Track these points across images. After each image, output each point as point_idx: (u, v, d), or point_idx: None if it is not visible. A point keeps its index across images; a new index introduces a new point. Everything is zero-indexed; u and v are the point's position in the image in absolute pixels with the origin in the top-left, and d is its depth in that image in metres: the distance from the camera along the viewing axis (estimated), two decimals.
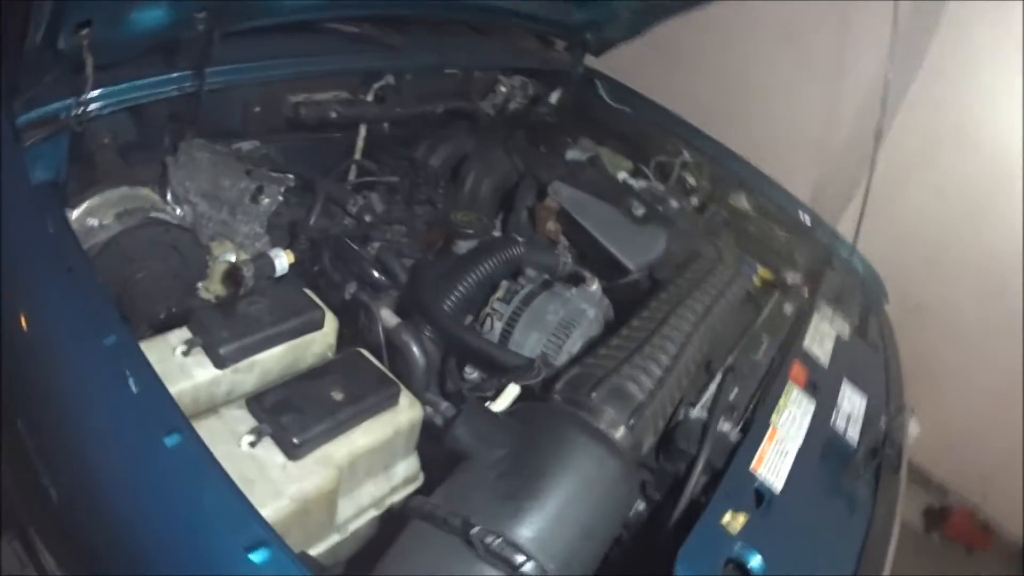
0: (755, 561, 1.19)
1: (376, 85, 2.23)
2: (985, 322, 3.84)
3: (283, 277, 1.65)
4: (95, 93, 1.57)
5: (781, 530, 1.28)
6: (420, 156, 2.27)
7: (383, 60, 2.26)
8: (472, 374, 1.63)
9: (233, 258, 1.76)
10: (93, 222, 1.60)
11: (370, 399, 1.28)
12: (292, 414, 1.19)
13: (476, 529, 1.05)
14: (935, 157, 3.64)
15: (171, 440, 1.05)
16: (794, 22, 3.82)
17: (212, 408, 1.24)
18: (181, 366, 1.27)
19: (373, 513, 1.36)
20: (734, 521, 1.24)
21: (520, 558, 1.04)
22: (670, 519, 1.33)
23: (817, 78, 3.95)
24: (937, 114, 3.52)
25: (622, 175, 2.49)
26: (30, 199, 1.45)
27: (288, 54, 2.04)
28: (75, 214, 1.59)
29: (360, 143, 2.18)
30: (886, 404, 1.90)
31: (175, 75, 1.76)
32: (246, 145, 2.01)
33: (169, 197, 1.81)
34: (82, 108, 1.55)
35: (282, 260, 1.64)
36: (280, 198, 1.83)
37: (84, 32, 1.45)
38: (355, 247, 1.69)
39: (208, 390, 1.29)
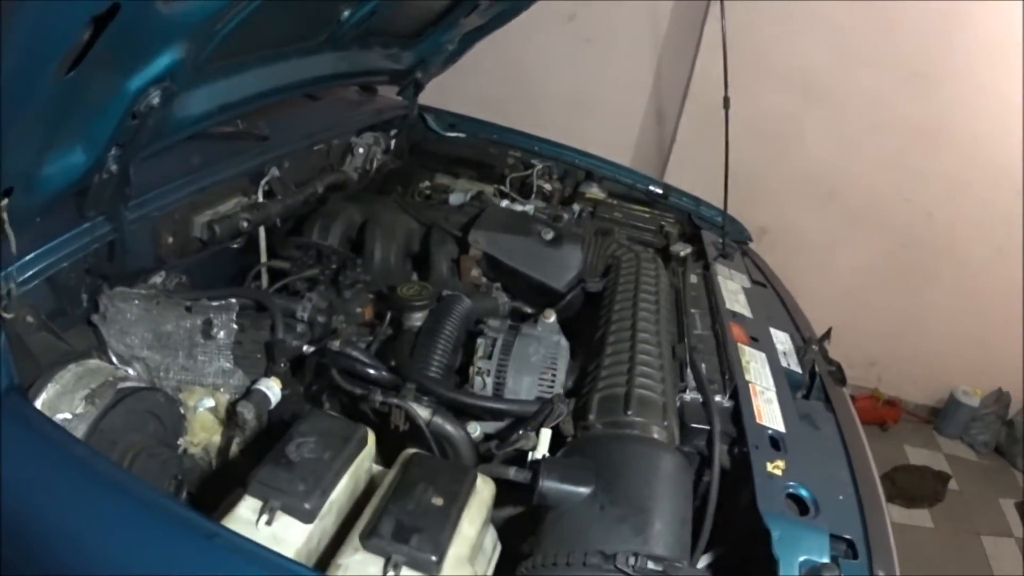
0: (804, 491, 1.50)
1: (263, 181, 2.30)
2: (825, 225, 4.45)
3: (279, 403, 1.71)
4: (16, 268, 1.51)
5: (801, 460, 1.59)
6: (317, 239, 2.37)
7: (262, 154, 2.33)
8: (475, 431, 1.81)
9: (212, 403, 1.76)
10: (65, 415, 1.49)
11: (461, 492, 1.39)
12: (415, 535, 1.26)
13: (619, 555, 1.27)
14: (737, 92, 4.13)
15: None
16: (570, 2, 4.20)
17: (323, 562, 1.31)
18: (273, 535, 1.28)
19: None
20: (776, 467, 1.54)
21: (661, 565, 1.28)
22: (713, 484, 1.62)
23: (602, 49, 4.36)
24: (730, 53, 4.01)
25: (504, 203, 2.72)
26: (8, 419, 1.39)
27: (182, 172, 2.05)
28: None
29: (263, 244, 2.25)
30: (798, 330, 2.29)
31: (88, 225, 1.72)
32: (156, 279, 1.93)
33: (114, 359, 1.74)
34: (8, 290, 1.48)
35: (275, 390, 1.70)
36: (234, 326, 1.82)
37: (4, 203, 1.39)
38: (354, 355, 1.80)
39: (307, 548, 1.32)
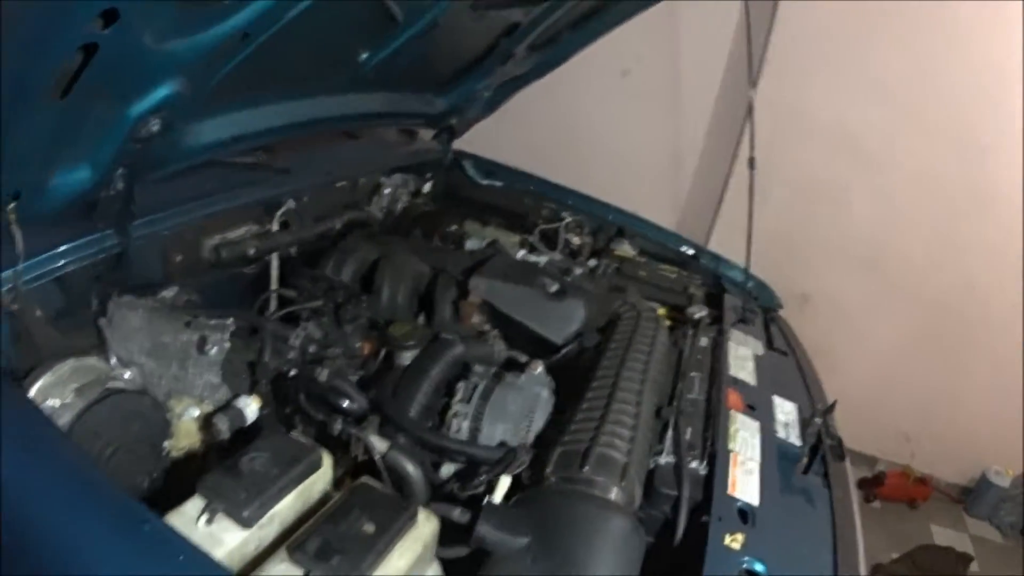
0: (759, 566, 1.46)
1: (279, 213, 2.41)
2: (866, 296, 4.36)
3: (255, 423, 1.78)
4: (24, 265, 1.64)
5: (770, 536, 1.56)
6: (331, 273, 2.43)
7: (280, 186, 2.44)
8: (448, 471, 1.83)
9: (197, 412, 1.86)
10: (54, 402, 1.65)
11: (395, 524, 1.42)
12: (337, 556, 1.31)
13: None
14: (783, 155, 4.09)
15: None
16: (625, 57, 4.25)
17: (251, 567, 1.36)
18: (209, 535, 1.37)
19: None
20: (734, 540, 1.50)
21: None
22: (671, 552, 1.58)
23: (654, 106, 4.39)
24: (777, 114, 3.97)
25: (521, 253, 2.74)
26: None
27: (196, 196, 2.17)
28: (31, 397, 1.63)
29: (275, 272, 2.32)
30: (811, 403, 2.22)
31: (98, 235, 1.86)
32: (168, 293, 2.09)
33: (113, 361, 1.88)
34: (15, 284, 1.61)
35: (251, 407, 1.79)
36: (227, 344, 1.92)
37: (12, 206, 1.53)
38: (324, 382, 1.83)
39: (240, 551, 1.40)
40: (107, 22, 1.27)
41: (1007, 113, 3.83)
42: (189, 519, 1.39)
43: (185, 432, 1.85)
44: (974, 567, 4.15)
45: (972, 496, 4.65)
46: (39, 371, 1.67)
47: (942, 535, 4.44)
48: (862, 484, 4.57)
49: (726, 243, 3.18)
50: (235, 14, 1.60)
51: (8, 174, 1.49)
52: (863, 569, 1.71)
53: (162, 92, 1.63)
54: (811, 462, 1.91)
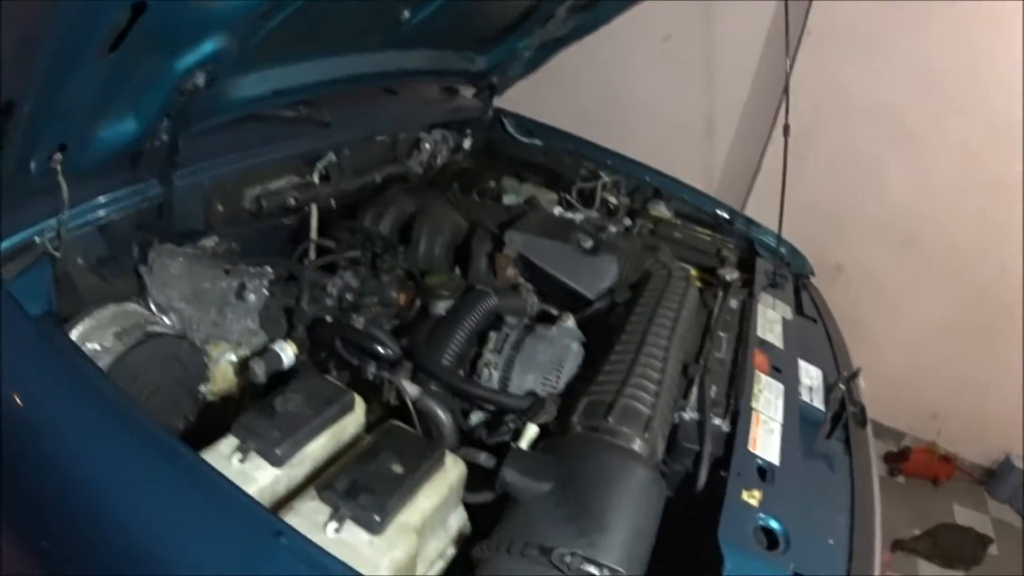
0: (775, 524, 1.49)
1: (319, 165, 2.47)
2: (900, 270, 4.33)
3: (291, 368, 1.85)
4: (68, 214, 1.68)
5: (788, 495, 1.58)
6: (370, 225, 2.49)
7: (321, 140, 2.50)
8: (476, 418, 1.89)
9: (233, 357, 1.92)
10: (94, 346, 1.68)
11: (423, 466, 1.49)
12: (365, 494, 1.37)
13: (556, 551, 1.30)
14: (823, 127, 4.08)
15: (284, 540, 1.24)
16: (666, 23, 4.23)
17: (281, 505, 1.41)
18: (242, 472, 1.42)
19: (440, 565, 1.58)
20: (752, 496, 1.54)
21: (598, 568, 1.30)
22: (690, 506, 1.63)
23: (695, 72, 4.37)
24: (818, 87, 3.95)
25: (558, 210, 2.78)
26: (37, 336, 1.55)
27: (238, 148, 2.23)
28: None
29: (314, 223, 2.39)
30: (837, 370, 2.25)
31: (141, 185, 1.92)
32: (208, 242, 2.12)
33: (153, 307, 1.92)
34: (58, 232, 1.67)
35: (288, 352, 1.84)
36: (265, 292, 1.97)
37: (58, 156, 1.58)
38: (359, 329, 1.90)
39: (272, 489, 1.45)
40: None
41: None
42: (222, 456, 1.44)
43: (222, 376, 1.90)
44: (993, 549, 4.14)
45: (995, 478, 4.64)
46: (80, 315, 1.70)
47: (963, 515, 4.43)
48: (887, 458, 4.58)
49: (762, 210, 3.18)
50: None
51: (55, 126, 1.54)
52: (879, 535, 1.72)
53: (208, 47, 1.68)
54: (833, 427, 1.94)
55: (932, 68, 3.89)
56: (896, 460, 4.57)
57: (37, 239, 1.67)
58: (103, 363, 1.65)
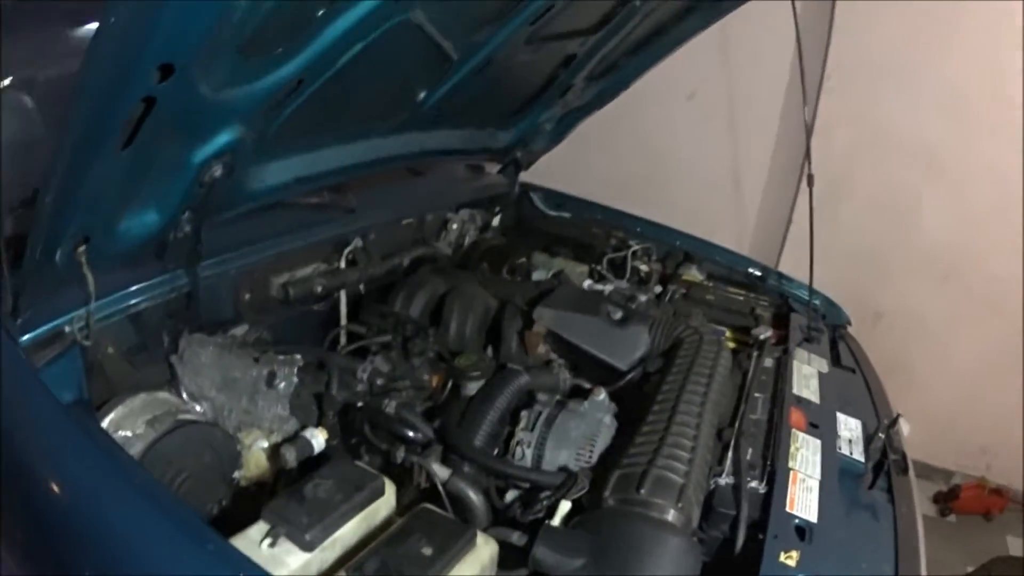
0: None
1: (347, 251, 2.52)
2: (942, 307, 4.25)
3: (322, 453, 1.87)
4: (96, 304, 1.72)
5: (828, 553, 1.57)
6: (400, 308, 2.53)
7: (348, 225, 2.55)
8: (511, 496, 1.89)
9: (266, 444, 1.96)
10: (126, 433, 1.73)
11: (454, 546, 1.48)
12: None
13: None
14: (856, 170, 4.06)
15: None
16: (689, 80, 4.28)
17: None
18: (272, 557, 1.43)
19: None
20: (789, 557, 1.52)
21: None
22: (730, 571, 1.60)
23: (721, 128, 4.40)
24: (847, 129, 3.96)
25: (588, 283, 2.81)
26: (67, 423, 1.57)
27: (264, 236, 2.29)
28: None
29: (343, 308, 2.44)
30: (877, 419, 2.21)
31: (168, 276, 1.98)
32: (238, 331, 2.21)
33: (184, 395, 2.00)
34: (87, 321, 1.71)
35: (319, 439, 1.88)
36: (295, 379, 2.02)
37: (82, 248, 1.62)
38: (389, 413, 1.93)
39: (302, 574, 1.46)
40: (163, 75, 1.35)
41: None
42: (252, 542, 1.45)
43: (255, 462, 1.94)
44: None
45: None
46: (111, 404, 1.76)
47: (1017, 545, 4.29)
48: (937, 498, 4.48)
49: (798, 263, 3.15)
50: (288, 62, 1.70)
51: (77, 218, 1.59)
52: None
53: (223, 138, 1.75)
54: (875, 477, 1.91)
55: (959, 93, 3.86)
56: (946, 500, 4.45)
57: (67, 328, 1.71)
58: (134, 450, 1.69)
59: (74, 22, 2.35)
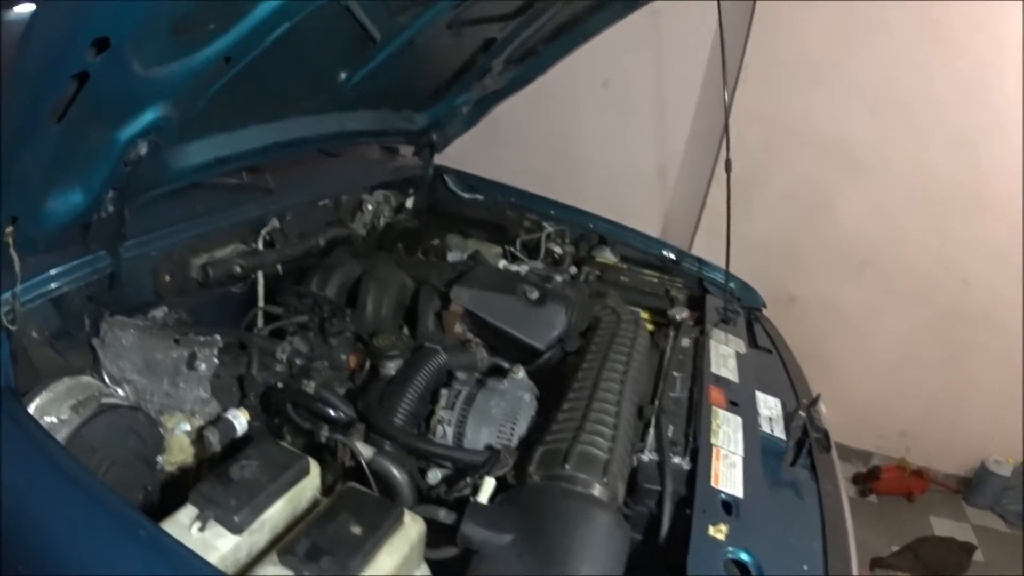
0: (746, 556, 1.51)
1: (264, 231, 2.49)
2: (858, 295, 4.45)
3: (245, 435, 1.84)
4: (21, 287, 1.71)
5: (756, 527, 1.60)
6: (317, 289, 2.49)
7: (265, 206, 2.53)
8: (436, 476, 1.87)
9: (188, 427, 1.93)
10: (51, 419, 1.70)
11: (382, 525, 1.47)
12: (326, 557, 1.36)
13: None
14: (770, 162, 4.20)
15: None
16: (604, 68, 4.32)
17: (243, 571, 1.41)
18: (202, 541, 1.42)
19: None
20: (718, 531, 1.55)
21: None
22: (658, 547, 1.63)
23: (637, 116, 4.46)
24: (762, 122, 4.09)
25: (503, 263, 2.81)
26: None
27: (184, 217, 2.26)
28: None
29: (261, 289, 2.39)
30: (796, 397, 2.28)
31: (91, 257, 1.94)
32: (158, 313, 2.18)
33: (107, 379, 1.95)
34: (13, 306, 1.68)
35: (241, 420, 1.86)
36: (215, 360, 2.00)
37: (9, 229, 1.60)
38: (310, 393, 1.90)
39: (233, 557, 1.45)
40: (99, 50, 1.34)
41: (1001, 110, 3.90)
42: (182, 526, 1.44)
43: (178, 446, 1.92)
44: (978, 556, 4.20)
45: (972, 486, 4.72)
46: (36, 389, 1.73)
47: (942, 526, 4.49)
48: (856, 479, 4.65)
49: (711, 248, 3.22)
50: (217, 39, 1.69)
51: (6, 199, 1.57)
52: (854, 556, 1.73)
53: (149, 116, 1.73)
54: (797, 454, 1.97)
55: (879, 92, 4.02)
56: (866, 480, 4.63)
57: None
58: (60, 436, 1.67)
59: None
